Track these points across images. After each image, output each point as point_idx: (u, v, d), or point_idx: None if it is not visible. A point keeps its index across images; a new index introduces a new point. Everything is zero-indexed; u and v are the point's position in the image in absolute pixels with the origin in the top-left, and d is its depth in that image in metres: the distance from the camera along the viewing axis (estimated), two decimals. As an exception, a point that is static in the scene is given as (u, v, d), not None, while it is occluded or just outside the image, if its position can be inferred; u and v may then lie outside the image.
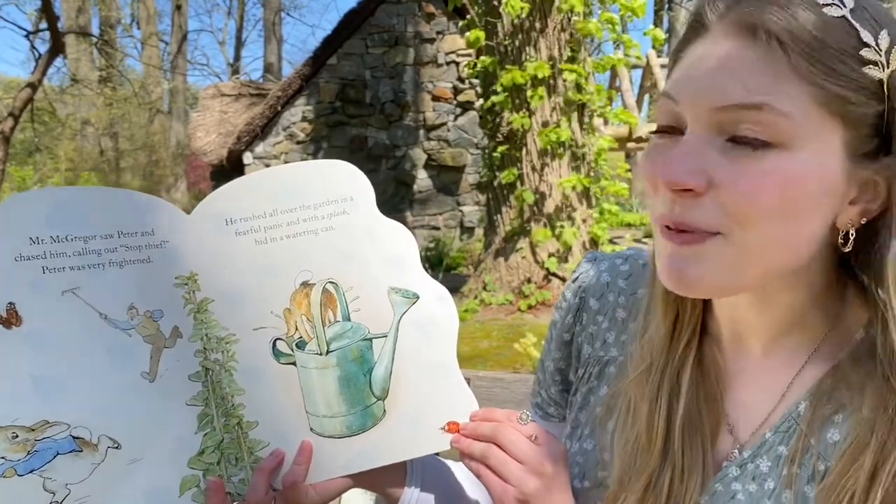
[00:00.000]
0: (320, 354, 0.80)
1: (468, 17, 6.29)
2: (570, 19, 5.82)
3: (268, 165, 9.05)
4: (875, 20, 0.57)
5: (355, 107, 9.86)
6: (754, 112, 0.56)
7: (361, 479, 0.82)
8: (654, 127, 0.66)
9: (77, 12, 16.30)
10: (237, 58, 28.40)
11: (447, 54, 9.76)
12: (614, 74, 8.79)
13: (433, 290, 0.84)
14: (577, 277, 0.87)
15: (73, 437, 0.68)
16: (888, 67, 0.56)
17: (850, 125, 0.57)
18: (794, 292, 0.66)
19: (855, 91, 0.56)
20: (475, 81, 7.96)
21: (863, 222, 0.61)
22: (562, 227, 5.95)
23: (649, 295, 0.76)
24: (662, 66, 8.91)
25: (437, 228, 9.92)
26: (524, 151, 6.01)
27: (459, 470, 0.90)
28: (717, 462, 0.70)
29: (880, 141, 0.59)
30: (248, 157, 9.87)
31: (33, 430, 0.67)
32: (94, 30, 19.06)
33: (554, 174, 6.00)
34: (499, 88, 5.83)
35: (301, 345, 0.80)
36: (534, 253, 6.08)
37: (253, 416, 0.78)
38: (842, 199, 0.60)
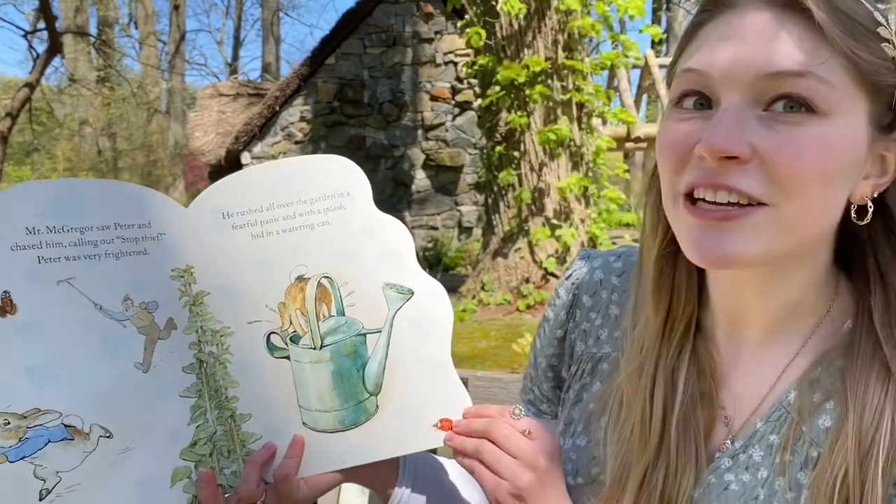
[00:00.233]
0: (314, 349, 0.80)
1: (466, 16, 6.29)
2: (566, 17, 5.82)
3: (266, 165, 9.01)
4: (876, 5, 0.60)
5: (353, 107, 9.86)
6: (798, 79, 0.58)
7: (353, 475, 0.82)
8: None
9: (75, 12, 16.30)
10: (235, 58, 28.41)
11: (445, 54, 9.76)
12: (612, 74, 8.79)
13: (428, 287, 0.83)
14: (571, 275, 0.87)
15: (65, 426, 0.68)
16: None
17: (874, 97, 0.60)
18: (801, 271, 0.67)
19: (879, 64, 0.59)
20: (473, 81, 7.97)
21: (875, 196, 0.64)
22: (560, 227, 5.96)
23: (637, 290, 0.76)
24: (661, 66, 8.91)
25: (436, 228, 9.92)
26: (522, 151, 6.01)
27: (453, 467, 0.90)
28: (710, 454, 0.71)
29: (894, 115, 0.62)
30: (246, 157, 9.87)
31: (25, 417, 0.67)
32: (92, 30, 19.06)
33: (552, 174, 6.01)
34: (496, 87, 5.83)
35: (295, 339, 0.80)
36: (532, 253, 6.09)
37: (246, 408, 0.78)
38: (860, 172, 0.62)
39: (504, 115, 6.00)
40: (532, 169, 6.03)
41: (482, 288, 6.29)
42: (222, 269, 0.79)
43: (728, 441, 0.70)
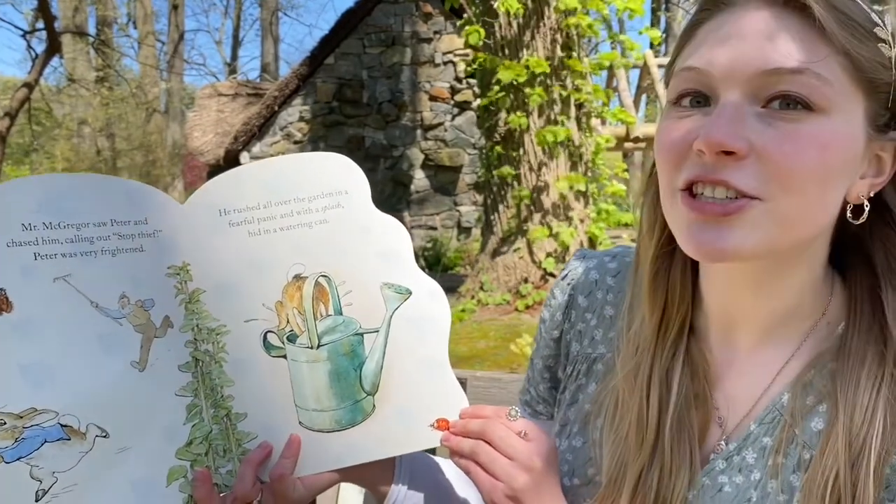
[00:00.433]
0: (311, 348, 0.79)
1: (465, 16, 6.29)
2: (566, 16, 5.82)
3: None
4: (874, 3, 0.61)
5: (352, 107, 9.86)
6: (797, 76, 0.58)
7: (349, 474, 0.82)
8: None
9: (73, 12, 16.28)
10: (234, 57, 28.41)
11: (444, 54, 9.76)
12: (612, 74, 8.79)
13: (426, 286, 0.83)
14: (566, 275, 0.87)
15: (62, 425, 0.68)
16: (894, 47, 0.60)
17: (871, 96, 0.60)
18: (797, 273, 0.67)
19: (876, 64, 0.59)
20: (472, 81, 7.97)
21: (871, 195, 0.64)
22: (559, 226, 5.95)
23: (633, 290, 0.76)
24: (660, 66, 8.91)
25: (435, 228, 9.92)
26: (521, 151, 6.01)
27: (449, 467, 0.89)
28: (704, 456, 0.71)
29: (890, 115, 0.62)
30: (244, 157, 9.86)
31: (21, 417, 0.67)
32: (91, 29, 19.04)
33: (551, 174, 6.00)
34: (496, 87, 5.83)
35: (292, 338, 0.80)
36: (531, 253, 6.08)
37: (242, 407, 0.77)
38: (857, 171, 0.63)
39: (503, 115, 6.00)
40: (531, 169, 6.02)
41: (481, 288, 6.28)
42: (219, 266, 0.79)
43: (722, 442, 0.70)
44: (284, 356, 0.79)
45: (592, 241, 6.13)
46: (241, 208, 0.80)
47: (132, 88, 18.28)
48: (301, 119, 9.91)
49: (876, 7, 0.62)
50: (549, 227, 5.97)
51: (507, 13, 5.55)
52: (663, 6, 18.85)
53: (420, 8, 9.70)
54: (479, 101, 6.44)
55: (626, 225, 9.22)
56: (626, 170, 7.01)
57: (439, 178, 9.93)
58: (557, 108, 5.94)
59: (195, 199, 0.80)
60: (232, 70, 26.68)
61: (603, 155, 6.37)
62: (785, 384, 0.69)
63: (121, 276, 0.74)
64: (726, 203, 0.60)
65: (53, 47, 9.92)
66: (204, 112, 11.47)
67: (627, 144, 8.27)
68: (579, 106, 6.08)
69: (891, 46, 0.60)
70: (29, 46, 10.79)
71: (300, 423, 0.79)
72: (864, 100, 0.60)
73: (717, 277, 0.71)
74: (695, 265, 0.73)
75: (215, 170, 10.64)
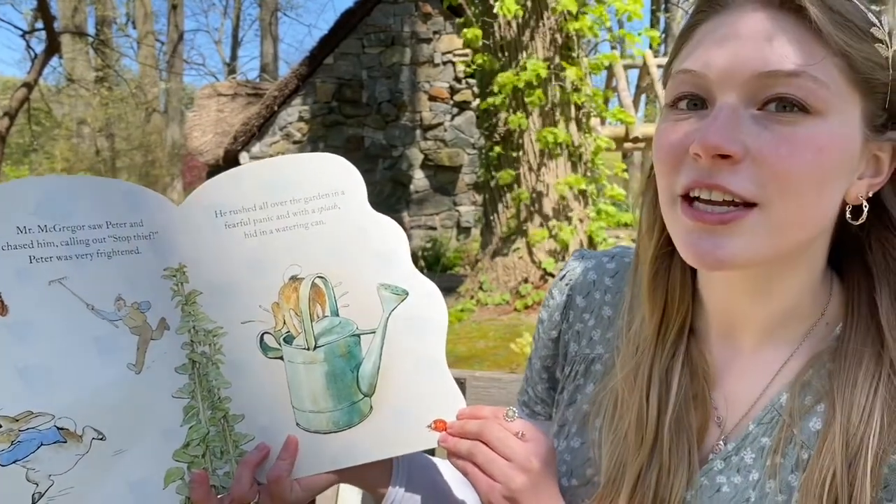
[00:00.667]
0: (308, 349, 0.79)
1: (464, 15, 6.29)
2: (565, 19, 5.82)
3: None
4: (870, 4, 0.60)
5: (352, 107, 9.85)
6: (793, 78, 0.58)
7: (347, 475, 0.82)
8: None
9: (73, 12, 16.26)
10: (233, 57, 28.40)
11: (444, 54, 9.76)
12: (611, 75, 8.80)
13: (423, 287, 0.83)
14: (565, 275, 0.87)
15: (58, 428, 0.68)
16: (892, 47, 0.60)
17: (868, 97, 0.60)
18: (795, 274, 0.67)
19: (873, 64, 0.59)
20: (472, 81, 7.97)
21: (870, 195, 0.64)
22: (559, 227, 5.95)
23: (632, 290, 0.76)
24: (659, 66, 8.92)
25: (434, 228, 9.91)
26: (521, 151, 6.01)
27: (447, 467, 0.89)
28: (703, 455, 0.71)
29: (888, 115, 0.62)
30: (244, 157, 9.85)
31: (17, 420, 0.66)
32: (90, 29, 19.03)
33: (551, 174, 6.01)
34: (496, 89, 5.83)
35: (289, 339, 0.79)
36: (530, 253, 6.08)
37: (239, 409, 0.77)
38: (854, 172, 0.62)
39: (503, 115, 6.00)
40: (531, 169, 6.02)
41: (480, 288, 6.28)
42: (215, 268, 0.79)
43: (721, 442, 0.70)
44: (281, 358, 0.79)
45: (592, 241, 6.13)
46: (238, 209, 0.80)
47: (131, 88, 18.27)
48: (300, 119, 9.91)
49: (873, 7, 0.61)
50: (549, 228, 5.97)
51: (505, 15, 5.55)
52: (662, 6, 18.85)
53: (419, 8, 9.69)
54: (478, 101, 6.44)
55: (626, 225, 9.21)
56: (626, 170, 7.01)
57: (439, 178, 9.92)
58: (557, 110, 5.94)
59: (191, 201, 0.80)
60: (231, 70, 26.68)
61: (602, 155, 6.37)
62: (784, 384, 0.69)
63: (117, 279, 0.74)
64: (723, 213, 0.60)
65: (53, 47, 9.92)
66: (203, 112, 11.46)
67: (627, 144, 8.27)
68: (578, 107, 6.08)
69: (888, 46, 0.59)
70: (28, 46, 10.79)
71: (297, 424, 0.79)
72: (860, 101, 0.60)
73: (716, 281, 0.71)
74: (694, 267, 0.73)
75: (215, 170, 10.63)
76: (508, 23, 5.85)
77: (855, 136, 0.61)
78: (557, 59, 5.89)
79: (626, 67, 8.46)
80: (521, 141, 5.99)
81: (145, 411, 0.73)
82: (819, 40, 0.58)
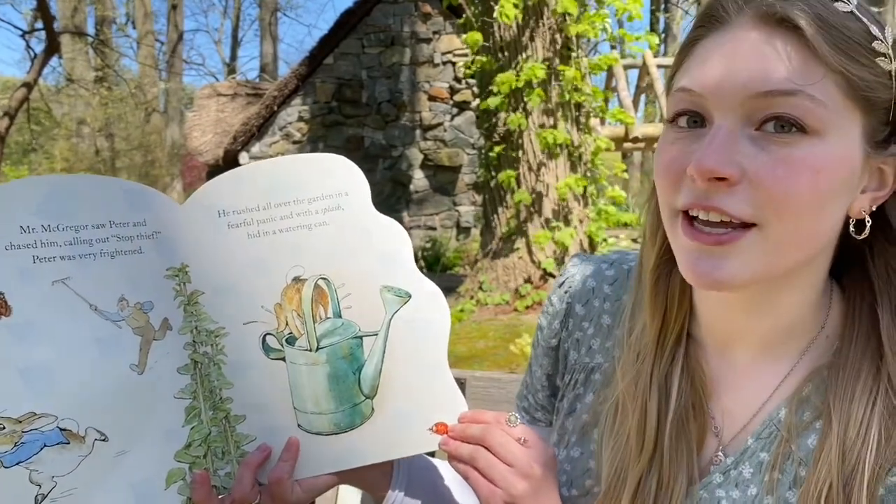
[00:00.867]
0: (310, 351, 0.79)
1: (464, 15, 6.28)
2: (565, 19, 5.82)
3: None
4: (874, 18, 0.59)
5: (352, 107, 9.85)
6: (790, 98, 0.57)
7: (348, 477, 0.82)
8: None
9: (72, 12, 16.24)
10: (233, 57, 28.39)
11: (444, 54, 9.75)
12: (610, 75, 8.79)
13: (426, 289, 0.83)
14: (564, 282, 0.86)
15: (61, 429, 0.68)
16: (894, 61, 0.59)
17: (868, 113, 0.59)
18: (794, 291, 0.66)
19: (873, 80, 0.58)
20: (472, 81, 7.96)
21: (873, 209, 0.63)
22: (559, 227, 5.95)
23: (634, 297, 0.76)
24: (659, 66, 8.92)
25: (434, 228, 9.91)
26: (521, 152, 6.01)
27: (447, 469, 0.89)
28: (701, 468, 0.71)
29: (890, 129, 0.61)
30: (244, 157, 9.85)
31: (20, 421, 0.66)
32: (90, 29, 19.02)
33: (550, 174, 6.00)
34: (496, 89, 5.83)
35: (291, 340, 0.79)
36: (530, 253, 6.08)
37: (240, 410, 0.77)
38: (857, 187, 0.62)
39: (502, 115, 6.00)
40: (530, 169, 6.02)
41: (480, 288, 6.28)
42: (217, 268, 0.79)
43: (720, 454, 0.70)
44: (283, 359, 0.79)
45: (592, 242, 6.13)
46: (241, 210, 0.80)
47: (131, 88, 18.26)
48: (300, 119, 9.90)
49: (874, 8, 0.61)
50: (549, 228, 5.97)
51: (504, 22, 5.55)
52: (662, 6, 18.85)
53: (419, 8, 9.68)
54: (478, 101, 6.43)
55: (626, 225, 9.22)
56: (626, 170, 7.00)
57: (438, 178, 9.92)
58: (557, 111, 5.94)
59: (194, 201, 0.80)
60: (231, 70, 26.67)
61: (602, 154, 6.37)
62: (782, 399, 0.68)
63: (120, 279, 0.73)
64: (721, 234, 0.60)
65: (52, 47, 9.92)
66: (203, 112, 11.45)
67: (627, 144, 8.27)
68: (578, 106, 6.08)
69: (891, 60, 0.58)
70: (28, 46, 10.79)
71: (299, 425, 0.79)
72: (861, 117, 0.59)
73: (711, 298, 0.71)
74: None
75: (214, 170, 10.63)
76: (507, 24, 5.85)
77: (855, 154, 0.60)
78: (557, 60, 5.89)
79: (626, 67, 8.44)
80: (520, 141, 5.99)
81: (147, 412, 0.73)
82: (817, 59, 0.57)
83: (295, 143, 9.89)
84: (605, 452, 0.74)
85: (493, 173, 6.20)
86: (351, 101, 9.85)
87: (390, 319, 0.81)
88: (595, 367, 0.81)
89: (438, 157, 9.85)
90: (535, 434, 0.76)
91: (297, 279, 0.80)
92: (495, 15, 5.53)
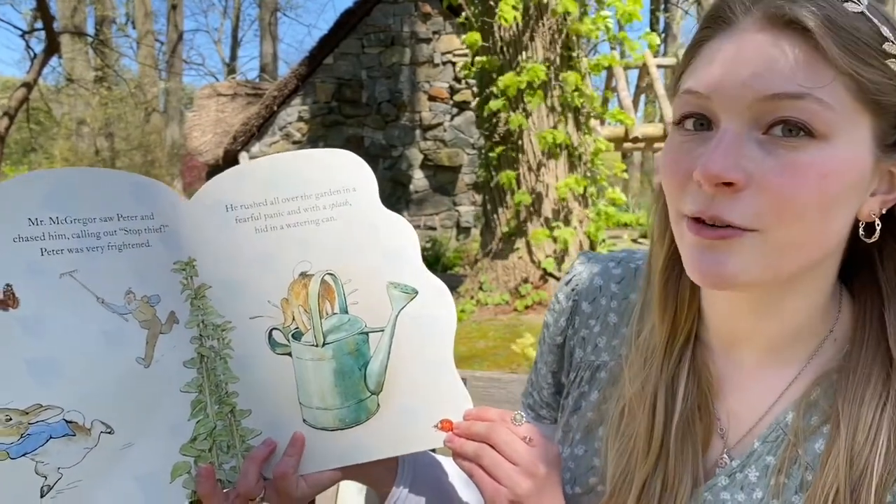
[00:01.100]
0: (316, 346, 0.79)
1: (463, 14, 6.29)
2: (565, 20, 5.82)
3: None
4: (886, 18, 0.58)
5: (352, 107, 9.85)
6: (797, 102, 0.56)
7: (352, 473, 0.81)
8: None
9: (72, 12, 16.25)
10: (233, 57, 28.41)
11: (443, 54, 9.76)
12: (610, 75, 8.80)
13: (432, 286, 0.82)
14: (570, 280, 0.86)
15: (67, 422, 0.68)
16: None
17: (878, 116, 0.58)
18: (802, 295, 0.66)
19: (884, 82, 0.57)
20: (472, 81, 7.96)
21: (883, 212, 0.62)
22: (559, 227, 5.96)
23: (643, 297, 0.76)
24: (659, 66, 8.92)
25: (434, 228, 9.92)
26: (521, 152, 6.01)
27: (451, 466, 0.89)
28: (707, 470, 0.70)
29: None
30: (243, 157, 9.85)
31: (27, 413, 0.66)
32: (90, 29, 19.02)
33: (550, 175, 6.01)
34: (496, 91, 5.83)
35: (297, 335, 0.79)
36: (530, 253, 6.09)
37: (246, 404, 0.77)
38: (866, 191, 0.61)
39: (503, 115, 6.00)
40: (530, 169, 6.03)
41: (480, 288, 6.28)
42: (225, 262, 0.78)
43: (725, 456, 0.70)
44: (289, 354, 0.79)
45: (592, 242, 6.13)
46: (249, 204, 0.80)
47: (131, 88, 18.28)
48: (300, 119, 9.91)
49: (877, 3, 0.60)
50: (549, 228, 5.98)
51: (504, 24, 5.55)
52: (662, 6, 18.87)
53: (419, 8, 9.69)
54: (478, 101, 6.44)
55: (626, 225, 9.23)
56: (626, 170, 7.00)
57: (438, 178, 9.93)
58: (557, 110, 5.94)
59: (202, 195, 0.80)
60: (231, 70, 26.69)
61: (602, 154, 6.37)
62: (790, 402, 0.68)
63: (127, 272, 0.73)
64: (723, 230, 0.59)
65: (52, 47, 9.92)
66: (203, 112, 11.46)
67: (627, 145, 8.28)
68: (577, 109, 6.08)
69: None
70: (28, 46, 10.81)
71: (304, 420, 0.79)
72: (870, 120, 0.58)
73: (718, 299, 0.71)
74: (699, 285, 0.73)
75: (214, 170, 10.63)
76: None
77: (864, 158, 0.59)
78: (558, 61, 5.90)
79: (626, 68, 8.45)
80: (520, 141, 5.99)
81: (153, 405, 0.73)
82: (825, 61, 0.56)
83: (295, 143, 9.89)
84: (610, 454, 0.74)
85: (493, 173, 6.20)
86: (351, 101, 9.85)
87: (397, 316, 0.81)
88: (601, 366, 0.81)
89: (438, 157, 9.85)
90: (540, 433, 0.76)
91: (304, 274, 0.80)
92: (496, 19, 5.54)
